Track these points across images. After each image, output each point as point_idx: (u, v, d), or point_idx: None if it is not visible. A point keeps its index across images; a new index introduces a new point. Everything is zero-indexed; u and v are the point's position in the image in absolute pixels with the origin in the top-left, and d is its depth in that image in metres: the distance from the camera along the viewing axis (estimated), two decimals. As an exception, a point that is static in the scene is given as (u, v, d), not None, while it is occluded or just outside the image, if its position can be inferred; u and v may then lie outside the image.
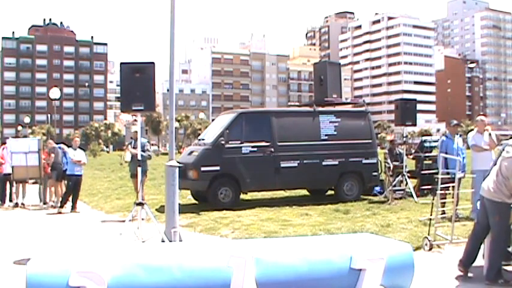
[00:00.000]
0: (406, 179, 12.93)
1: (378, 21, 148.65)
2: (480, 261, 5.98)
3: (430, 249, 6.86)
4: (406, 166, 13.11)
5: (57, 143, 14.38)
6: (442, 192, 7.73)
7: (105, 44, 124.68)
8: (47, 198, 13.71)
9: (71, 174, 12.29)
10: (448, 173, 8.34)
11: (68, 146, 13.09)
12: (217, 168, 11.65)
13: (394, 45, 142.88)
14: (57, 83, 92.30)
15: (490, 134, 9.08)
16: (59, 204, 12.44)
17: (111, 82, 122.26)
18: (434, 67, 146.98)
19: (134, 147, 10.58)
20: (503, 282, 5.39)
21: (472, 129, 10.19)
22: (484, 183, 5.67)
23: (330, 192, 13.40)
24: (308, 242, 4.93)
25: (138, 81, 7.13)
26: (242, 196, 12.37)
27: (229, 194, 11.69)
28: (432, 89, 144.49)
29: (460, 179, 7.35)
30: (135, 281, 3.83)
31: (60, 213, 12.01)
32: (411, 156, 14.62)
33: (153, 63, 7.31)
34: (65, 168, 12.75)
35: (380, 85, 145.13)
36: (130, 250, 4.35)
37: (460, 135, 10.58)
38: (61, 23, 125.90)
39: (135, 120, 11.56)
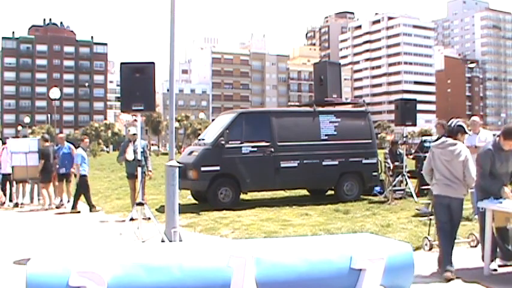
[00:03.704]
0: (406, 179, 12.93)
1: (378, 21, 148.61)
2: (480, 262, 5.99)
3: (430, 249, 6.87)
4: (406, 166, 13.11)
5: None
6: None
7: (105, 44, 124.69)
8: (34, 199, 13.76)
9: (83, 174, 12.26)
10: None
11: (76, 147, 13.08)
12: (217, 168, 11.65)
13: (394, 45, 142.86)
14: (57, 83, 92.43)
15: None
16: (54, 206, 12.51)
17: (111, 82, 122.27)
18: (434, 67, 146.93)
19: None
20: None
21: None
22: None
23: (330, 192, 13.40)
24: (308, 242, 4.94)
25: (138, 81, 7.12)
26: (242, 196, 12.37)
27: (229, 194, 11.70)
28: (432, 89, 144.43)
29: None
30: (135, 281, 3.83)
31: (58, 211, 12.00)
32: (411, 156, 14.61)
33: (153, 63, 7.30)
34: (63, 168, 12.85)
35: (380, 85, 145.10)
36: (130, 250, 4.34)
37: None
38: (61, 23, 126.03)
39: (135, 120, 11.56)
